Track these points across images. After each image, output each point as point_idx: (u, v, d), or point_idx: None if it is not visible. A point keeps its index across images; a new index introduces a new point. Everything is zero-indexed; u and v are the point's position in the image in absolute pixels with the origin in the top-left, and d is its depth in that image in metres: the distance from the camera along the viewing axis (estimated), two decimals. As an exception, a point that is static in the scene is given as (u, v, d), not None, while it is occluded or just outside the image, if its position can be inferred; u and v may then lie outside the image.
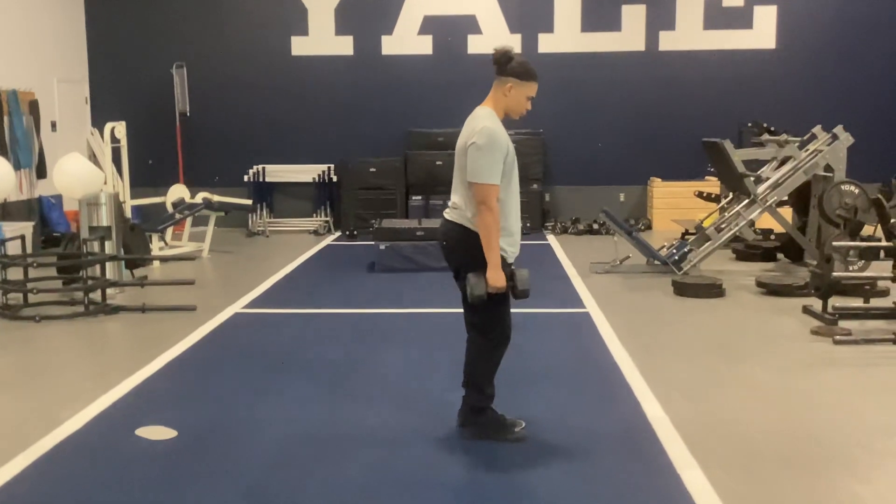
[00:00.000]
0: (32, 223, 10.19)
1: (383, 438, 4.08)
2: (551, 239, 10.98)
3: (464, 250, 3.84)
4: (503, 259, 3.83)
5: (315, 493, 3.47)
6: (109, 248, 7.48)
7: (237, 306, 7.01)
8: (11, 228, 9.48)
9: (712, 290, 7.28)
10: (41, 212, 10.70)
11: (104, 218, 7.48)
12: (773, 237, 9.49)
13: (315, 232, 11.61)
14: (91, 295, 6.88)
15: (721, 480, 3.58)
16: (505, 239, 3.85)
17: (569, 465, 3.78)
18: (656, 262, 8.34)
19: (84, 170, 7.08)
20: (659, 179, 11.88)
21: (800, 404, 4.57)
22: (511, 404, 4.26)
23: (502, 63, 3.90)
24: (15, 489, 3.51)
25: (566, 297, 7.26)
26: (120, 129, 9.37)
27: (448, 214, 3.98)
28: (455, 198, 3.94)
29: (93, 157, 11.70)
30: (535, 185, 11.63)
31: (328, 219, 11.88)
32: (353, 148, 11.82)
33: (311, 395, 4.72)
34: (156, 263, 8.92)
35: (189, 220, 9.94)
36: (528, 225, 11.45)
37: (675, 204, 11.54)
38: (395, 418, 4.33)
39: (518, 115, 3.98)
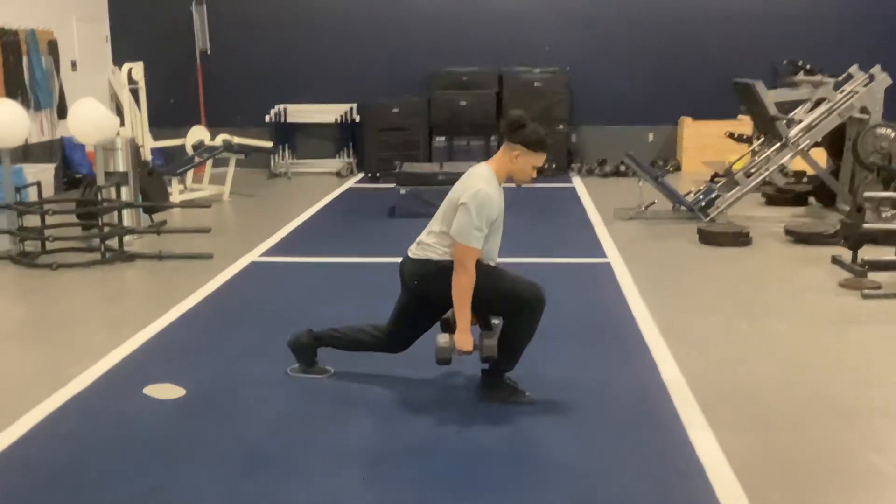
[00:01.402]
0: (54, 165, 10.20)
1: (389, 400, 4.01)
2: (576, 181, 10.77)
3: (442, 282, 3.79)
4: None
5: (317, 458, 3.42)
6: (126, 194, 7.43)
7: (254, 254, 6.94)
8: (33, 170, 9.49)
9: (738, 238, 7.09)
10: (63, 153, 10.67)
11: (120, 163, 7.41)
12: (805, 180, 9.22)
13: (338, 174, 11.49)
14: (108, 242, 6.85)
15: (731, 444, 3.48)
16: None
17: (578, 426, 3.71)
18: (682, 208, 8.14)
19: (99, 115, 6.98)
20: (689, 119, 11.58)
21: (820, 364, 4.44)
22: (522, 361, 4.16)
23: (512, 130, 3.81)
24: (17, 452, 3.50)
25: (587, 246, 7.11)
26: (137, 69, 9.26)
27: (412, 252, 3.97)
28: (424, 237, 3.94)
29: (114, 97, 11.62)
30: (560, 126, 11.36)
31: (351, 160, 11.74)
32: (376, 88, 11.60)
33: (330, 354, 4.65)
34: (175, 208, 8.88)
35: (209, 163, 9.85)
36: (554, 167, 11.24)
37: (706, 145, 11.24)
38: (403, 377, 4.26)
39: (521, 182, 3.92)
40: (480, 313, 3.95)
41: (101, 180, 7.18)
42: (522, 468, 3.36)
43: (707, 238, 7.16)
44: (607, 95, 11.78)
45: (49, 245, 6.87)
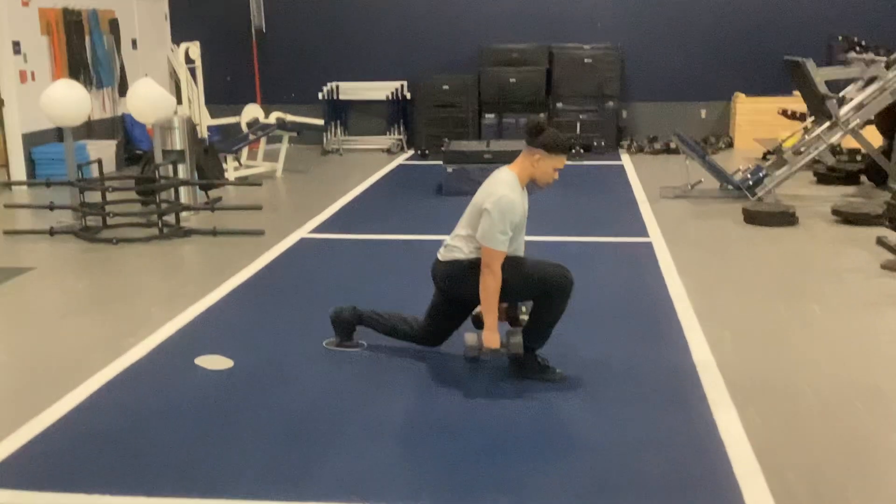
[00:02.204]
0: (116, 141, 10.56)
1: (425, 375, 4.18)
2: (625, 159, 10.77)
3: (471, 280, 3.95)
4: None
5: (354, 430, 3.60)
6: (183, 171, 7.70)
7: (304, 231, 7.16)
8: (96, 146, 9.88)
9: (784, 218, 7.08)
10: (125, 129, 11.03)
11: (177, 141, 7.68)
12: (859, 158, 9.10)
13: (388, 150, 11.67)
14: (166, 218, 7.13)
15: (755, 424, 3.58)
16: None
17: (605, 404, 3.83)
18: (730, 187, 8.13)
19: (155, 94, 7.23)
20: (743, 95, 11.47)
21: (855, 349, 4.48)
22: (555, 339, 4.28)
23: (533, 134, 3.94)
24: (76, 417, 3.75)
25: (630, 225, 7.17)
26: (194, 49, 9.51)
27: (442, 255, 4.14)
28: (452, 240, 4.11)
29: (173, 75, 11.93)
30: (610, 103, 11.36)
31: (401, 137, 11.90)
32: (427, 65, 11.71)
33: (362, 330, 4.84)
34: (232, 180, 9.16)
35: (263, 140, 10.09)
36: (603, 144, 11.26)
37: (759, 121, 11.12)
38: (436, 352, 4.41)
39: (544, 184, 4.06)
40: (509, 308, 4.13)
41: (158, 158, 7.45)
42: (549, 442, 3.50)
43: (752, 218, 7.16)
44: (659, 71, 11.72)
45: (110, 220, 7.17)
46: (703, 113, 11.88)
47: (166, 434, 3.59)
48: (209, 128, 10.74)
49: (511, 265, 3.94)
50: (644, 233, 6.90)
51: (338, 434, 3.57)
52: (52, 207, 7.04)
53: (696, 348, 4.45)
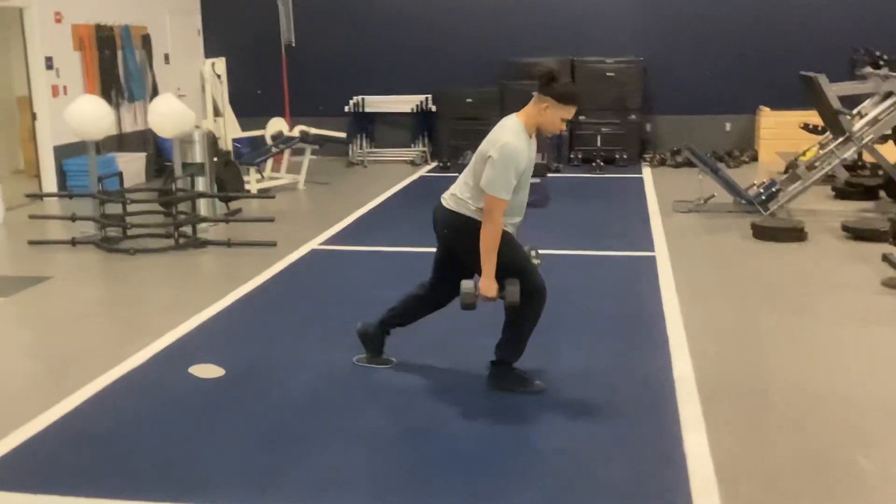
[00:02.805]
0: (145, 154, 10.86)
1: (408, 385, 4.30)
2: (646, 172, 10.80)
3: (470, 239, 3.97)
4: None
5: (330, 437, 3.73)
6: (202, 184, 7.93)
7: (315, 242, 7.33)
8: (125, 159, 10.19)
9: (792, 233, 7.07)
10: (156, 142, 11.32)
11: (197, 155, 7.91)
12: (880, 173, 9.02)
13: (412, 162, 11.83)
14: (184, 229, 7.35)
15: (721, 438, 3.63)
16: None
17: (578, 414, 3.92)
18: (743, 201, 8.13)
19: (175, 110, 7.47)
20: (767, 108, 11.43)
21: (836, 364, 4.50)
22: (540, 350, 4.40)
23: (544, 82, 3.94)
24: (67, 422, 3.93)
25: (637, 239, 7.22)
26: (220, 64, 9.77)
27: (446, 202, 4.12)
28: (459, 189, 4.08)
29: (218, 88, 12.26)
30: (632, 116, 11.40)
31: (425, 149, 12.05)
32: (451, 78, 11.86)
33: (354, 337, 4.97)
34: (254, 192, 9.40)
35: (287, 152, 10.31)
36: (625, 157, 11.30)
37: (783, 135, 11.07)
38: (425, 364, 4.53)
39: (550, 133, 4.08)
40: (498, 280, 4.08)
41: (178, 171, 7.69)
42: (518, 452, 3.59)
43: (760, 233, 7.17)
44: (684, 84, 11.73)
45: (130, 231, 7.41)
46: (728, 126, 11.86)
47: (151, 439, 3.75)
48: (239, 140, 11.00)
49: (506, 243, 3.96)
50: (650, 247, 6.95)
51: (313, 441, 3.70)
52: (73, 219, 7.30)
53: (678, 362, 4.51)
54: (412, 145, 12.24)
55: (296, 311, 5.52)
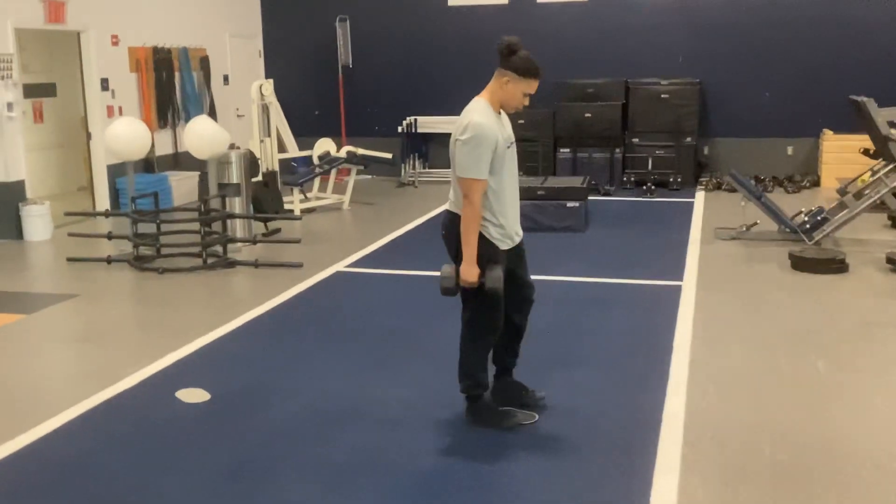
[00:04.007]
0: (199, 173, 11.08)
1: (384, 417, 4.22)
2: (699, 197, 10.48)
3: (458, 239, 3.87)
4: (495, 246, 3.87)
5: (296, 469, 3.68)
6: (238, 204, 8.04)
7: (343, 264, 7.34)
8: (179, 177, 10.45)
9: (832, 265, 6.74)
10: (212, 161, 11.56)
11: (233, 175, 8.03)
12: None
13: (462, 183, 11.76)
14: (217, 248, 7.45)
15: (692, 488, 3.45)
16: (497, 229, 3.88)
17: (548, 457, 3.77)
18: (787, 229, 7.81)
19: (209, 131, 7.61)
20: (830, 132, 10.98)
21: (840, 412, 4.23)
22: (532, 380, 4.32)
23: (504, 56, 3.84)
24: (41, 446, 3.99)
25: (668, 268, 6.99)
26: (267, 86, 9.92)
27: (448, 206, 4.05)
28: (452, 190, 3.99)
29: (265, 109, 12.45)
30: (688, 139, 11.11)
31: (477, 170, 11.96)
32: (504, 99, 11.77)
33: (349, 365, 4.94)
34: (297, 212, 9.50)
35: (333, 172, 10.38)
36: (679, 180, 11.00)
37: (847, 159, 10.59)
38: (408, 397, 4.46)
39: (513, 109, 3.91)
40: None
41: (213, 191, 7.81)
42: (476, 491, 3.48)
43: (798, 264, 6.85)
44: (743, 106, 11.39)
45: (165, 251, 7.55)
46: (790, 150, 11.44)
47: (113, 466, 3.76)
48: (297, 160, 11.12)
49: (490, 254, 3.84)
50: (678, 276, 6.72)
51: (278, 473, 3.66)
52: (109, 237, 7.49)
53: (672, 401, 4.32)
54: (464, 166, 12.17)
55: (302, 337, 5.51)
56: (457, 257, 3.90)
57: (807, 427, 4.03)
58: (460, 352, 4.06)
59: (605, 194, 10.69)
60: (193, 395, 4.52)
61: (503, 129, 3.85)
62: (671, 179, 11.03)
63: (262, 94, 9.91)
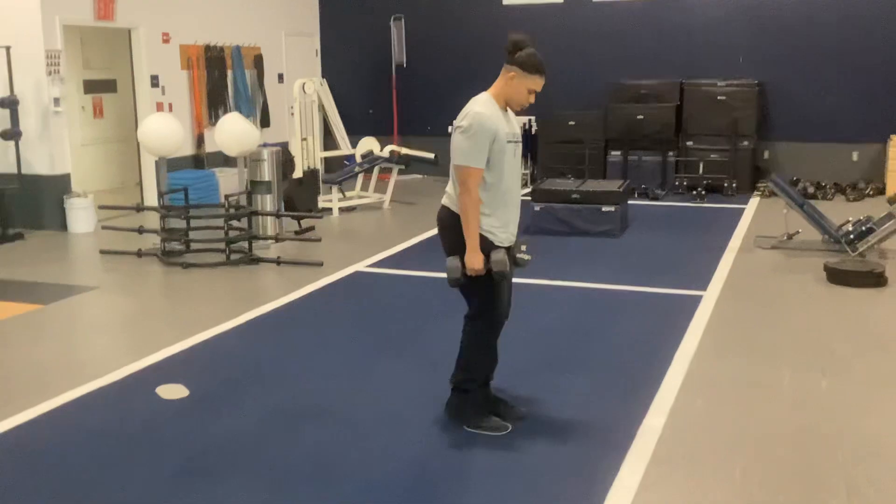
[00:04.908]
0: (247, 169, 11.22)
1: (352, 419, 4.14)
2: (753, 203, 10.08)
3: (453, 234, 3.82)
4: (490, 241, 3.80)
5: (253, 470, 3.64)
6: (269, 201, 8.10)
7: (364, 264, 7.30)
8: (227, 173, 10.57)
9: (868, 278, 6.37)
10: (263, 158, 11.68)
11: (266, 173, 8.09)
12: None
13: (510, 185, 11.60)
14: (244, 245, 7.51)
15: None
16: (493, 222, 3.82)
17: (514, 462, 3.66)
18: (831, 239, 7.42)
19: (239, 129, 7.67)
20: (899, 137, 10.44)
21: (831, 431, 3.95)
22: (515, 387, 4.25)
23: (510, 52, 3.83)
24: (14, 434, 4.04)
25: (695, 276, 6.71)
26: (310, 84, 9.96)
27: (443, 200, 3.98)
28: (449, 185, 3.94)
29: (321, 108, 12.56)
30: (745, 142, 10.70)
31: (526, 171, 11.80)
32: (555, 100, 11.53)
33: (335, 366, 4.88)
34: (335, 213, 9.53)
35: (375, 171, 10.37)
36: (735, 185, 10.61)
37: (916, 166, 10.09)
38: (384, 399, 4.37)
39: (519, 105, 3.88)
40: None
41: (241, 188, 7.88)
42: (429, 496, 3.37)
43: (834, 276, 6.50)
44: (806, 109, 10.92)
45: (195, 245, 7.64)
46: (855, 155, 10.91)
47: (75, 457, 3.79)
48: (349, 158, 11.14)
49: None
50: (703, 286, 6.44)
51: (235, 472, 3.61)
52: (140, 231, 7.62)
53: (653, 416, 4.12)
54: (513, 167, 12.01)
55: (297, 337, 5.48)
56: (450, 252, 3.85)
57: (787, 449, 3.78)
58: (461, 346, 3.99)
59: (654, 199, 10.39)
60: (172, 392, 4.52)
61: (507, 125, 3.83)
62: (726, 184, 10.65)
63: (304, 93, 9.94)
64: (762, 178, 10.97)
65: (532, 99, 3.86)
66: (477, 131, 3.69)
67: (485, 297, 3.89)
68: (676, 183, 10.83)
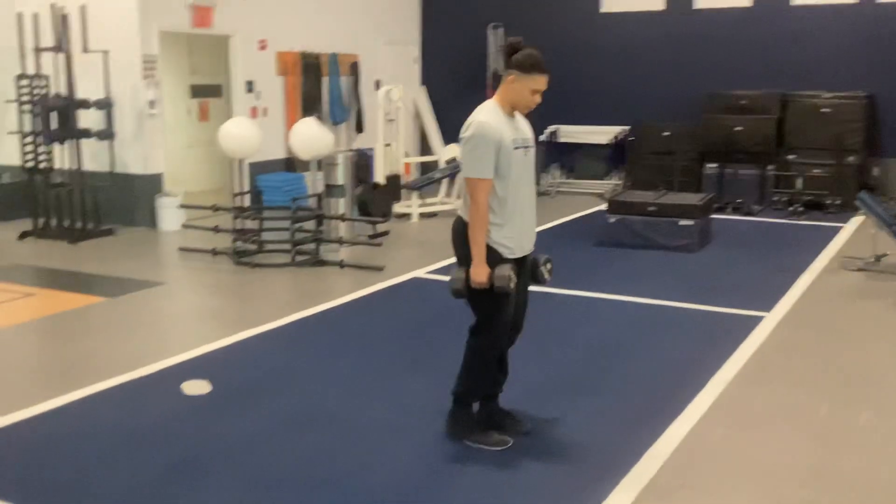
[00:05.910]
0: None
1: (355, 426, 4.13)
2: (854, 222, 9.49)
3: (464, 244, 3.78)
4: (500, 254, 3.73)
5: (245, 473, 3.68)
6: (343, 205, 8.22)
7: (424, 270, 7.29)
8: (318, 177, 10.78)
9: (952, 307, 5.89)
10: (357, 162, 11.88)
11: (339, 177, 8.22)
12: None
13: (600, 196, 11.36)
14: (311, 247, 7.65)
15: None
16: (506, 232, 3.74)
17: (513, 479, 3.58)
18: (923, 263, 6.92)
19: (312, 133, 7.82)
20: None
21: (862, 475, 3.66)
22: (543, 404, 4.21)
23: (507, 55, 3.76)
24: (30, 424, 4.21)
25: (762, 296, 6.36)
26: (395, 91, 10.05)
27: (459, 209, 3.95)
28: (463, 196, 3.89)
29: (417, 115, 12.69)
30: (850, 158, 10.11)
31: (619, 182, 11.53)
32: (650, 110, 11.28)
33: (360, 371, 4.89)
34: (414, 218, 9.59)
35: (459, 177, 10.35)
36: (838, 203, 10.03)
37: None
38: (390, 408, 4.34)
39: (525, 108, 3.81)
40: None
41: (314, 190, 8.03)
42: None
43: (915, 302, 6.05)
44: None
45: (268, 246, 7.83)
46: (978, 173, 10.14)
47: (86, 451, 3.90)
48: (447, 162, 11.17)
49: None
50: (767, 307, 6.10)
51: (225, 474, 3.66)
52: (216, 230, 7.87)
53: (662, 444, 3.92)
54: (605, 178, 11.77)
55: (332, 340, 5.51)
56: (460, 261, 3.82)
57: (795, 484, 3.52)
58: (464, 357, 3.93)
59: (748, 214, 9.95)
60: (195, 388, 4.63)
61: (514, 130, 3.76)
62: (828, 201, 10.08)
63: (391, 99, 10.03)
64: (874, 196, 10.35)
65: (538, 99, 3.76)
66: (479, 142, 3.64)
67: (487, 311, 3.81)
68: (775, 198, 10.32)
